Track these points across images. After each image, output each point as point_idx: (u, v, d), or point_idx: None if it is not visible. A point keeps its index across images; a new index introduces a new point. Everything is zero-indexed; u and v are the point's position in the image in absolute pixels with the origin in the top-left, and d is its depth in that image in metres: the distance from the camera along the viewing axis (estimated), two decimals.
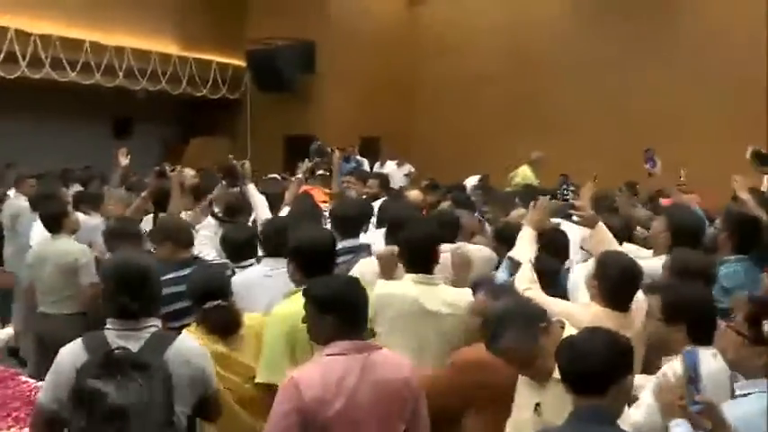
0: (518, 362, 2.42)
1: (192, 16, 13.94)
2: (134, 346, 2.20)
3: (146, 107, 13.87)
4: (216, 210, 4.80)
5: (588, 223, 3.42)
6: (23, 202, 6.40)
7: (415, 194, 6.01)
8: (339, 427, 2.25)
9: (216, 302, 2.97)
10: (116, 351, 1.94)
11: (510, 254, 3.25)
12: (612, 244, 3.30)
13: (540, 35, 13.07)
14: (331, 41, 13.72)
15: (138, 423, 1.77)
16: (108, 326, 2.32)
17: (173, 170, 5.05)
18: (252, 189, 4.75)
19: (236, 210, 4.83)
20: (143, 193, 5.10)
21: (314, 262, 2.90)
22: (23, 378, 3.62)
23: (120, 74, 12.64)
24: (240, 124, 15.12)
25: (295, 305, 2.65)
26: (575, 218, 3.52)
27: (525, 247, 3.23)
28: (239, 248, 3.82)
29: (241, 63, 14.70)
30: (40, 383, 2.83)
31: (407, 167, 11.95)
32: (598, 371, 1.98)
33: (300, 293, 2.51)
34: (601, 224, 3.40)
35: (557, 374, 2.20)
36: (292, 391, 2.25)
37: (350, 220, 4.01)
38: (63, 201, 5.31)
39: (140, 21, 13.16)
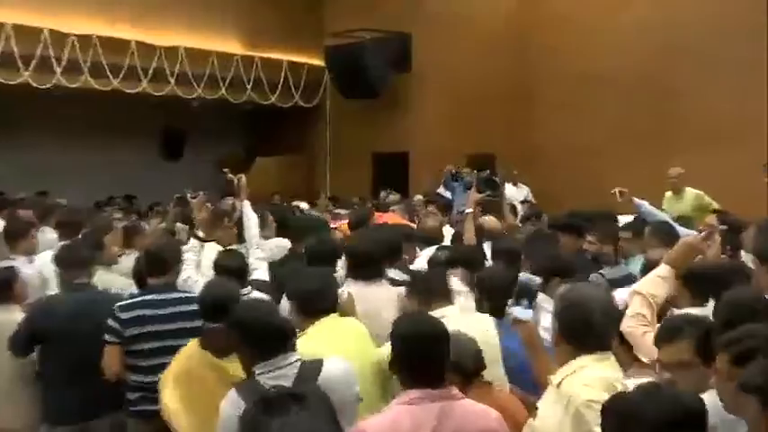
0: None
1: (259, 7, 14.26)
2: (286, 383, 2.80)
3: (201, 119, 14.36)
4: (200, 233, 5.10)
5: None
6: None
7: (490, 221, 6.34)
8: None
9: (215, 325, 3.51)
10: (271, 390, 2.41)
11: (637, 287, 3.44)
12: None
13: (692, 30, 12.68)
14: (430, 34, 13.80)
15: None
16: (257, 371, 2.90)
17: (235, 179, 5.44)
18: (247, 207, 5.15)
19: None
20: (162, 224, 5.51)
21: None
22: None
23: (172, 80, 13.08)
24: (318, 139, 15.42)
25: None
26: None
27: (658, 284, 3.39)
28: (231, 275, 4.21)
29: (319, 63, 14.96)
30: None
31: (525, 191, 12.24)
32: None
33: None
34: None
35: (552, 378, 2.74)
36: None
37: (367, 257, 4.39)
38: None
39: (195, 15, 13.56)
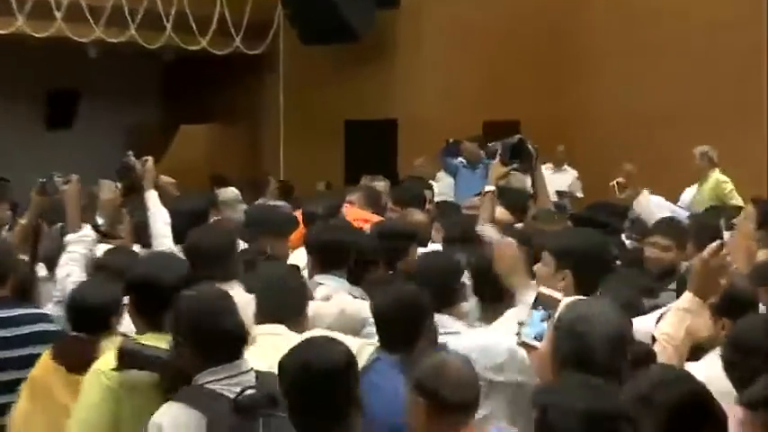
0: None
1: None
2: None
3: (101, 73, 13.77)
4: (100, 220, 5.46)
5: None
6: None
7: (501, 213, 6.20)
8: None
9: (77, 335, 3.73)
10: (241, 398, 2.83)
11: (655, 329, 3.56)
12: None
13: None
14: None
15: None
16: (204, 378, 3.05)
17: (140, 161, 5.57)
18: (153, 198, 5.24)
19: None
20: (22, 219, 5.82)
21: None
22: None
23: (59, 15, 12.05)
24: (267, 100, 14.81)
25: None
26: None
27: (679, 321, 3.42)
28: (114, 277, 4.31)
29: None
30: None
31: (570, 176, 11.94)
32: None
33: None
34: None
35: None
36: None
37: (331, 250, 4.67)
38: None
39: None
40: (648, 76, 12.98)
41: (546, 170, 9.91)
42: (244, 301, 3.68)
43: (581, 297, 3.35)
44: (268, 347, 3.42)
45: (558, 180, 11.09)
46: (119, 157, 13.53)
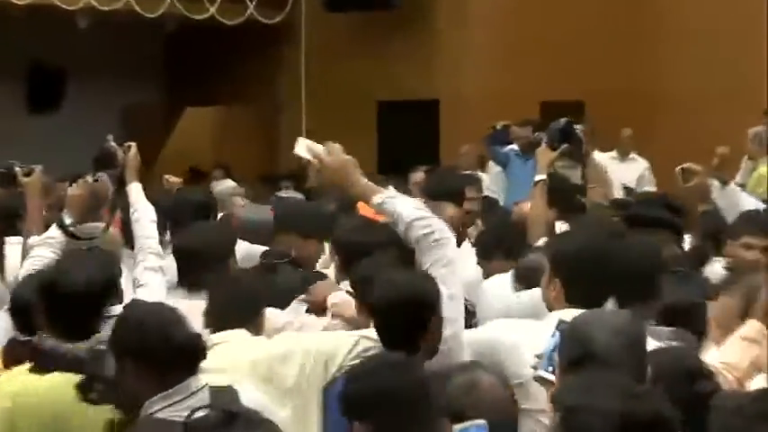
0: None
1: None
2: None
3: (93, 48, 13.57)
4: (67, 219, 5.05)
5: None
6: None
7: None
8: None
9: (25, 339, 3.71)
10: (191, 422, 2.56)
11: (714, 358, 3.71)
12: None
13: None
14: None
15: None
16: (151, 407, 3.02)
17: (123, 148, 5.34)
18: (136, 192, 5.03)
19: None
20: None
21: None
22: None
23: None
24: (286, 78, 14.38)
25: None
26: None
27: (742, 350, 3.47)
28: None
29: None
30: None
31: (641, 166, 11.50)
32: None
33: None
34: None
35: None
36: None
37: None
38: None
39: None
40: (738, 49, 12.59)
41: (610, 160, 10.43)
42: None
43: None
44: (221, 356, 3.57)
45: (625, 171, 10.75)
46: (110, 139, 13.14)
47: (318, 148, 3.88)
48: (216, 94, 14.24)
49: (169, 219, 5.76)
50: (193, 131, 14.04)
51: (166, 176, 7.44)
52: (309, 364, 3.57)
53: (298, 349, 3.63)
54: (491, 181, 10.39)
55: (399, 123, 13.40)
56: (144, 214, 4.94)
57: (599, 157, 10.24)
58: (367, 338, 3.52)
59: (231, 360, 3.53)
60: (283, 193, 9.66)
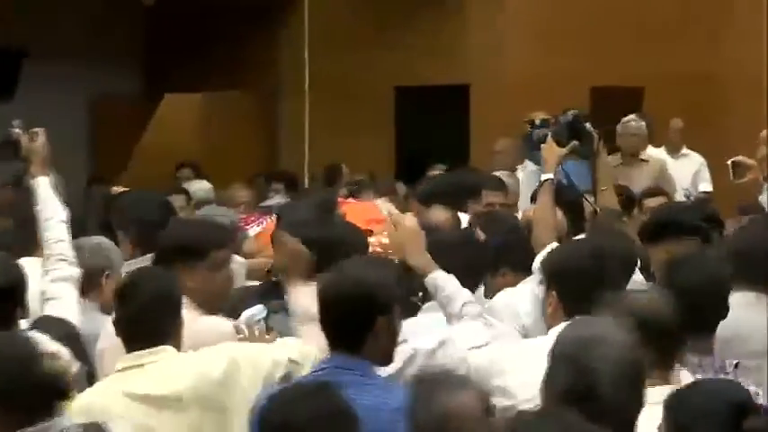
0: None
1: None
2: None
3: (55, 26, 13.35)
4: None
5: None
6: None
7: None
8: None
9: None
10: None
11: None
12: None
13: None
14: None
15: None
16: None
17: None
18: (44, 188, 4.95)
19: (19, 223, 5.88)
20: None
21: None
22: None
23: None
24: (286, 60, 13.90)
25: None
26: None
27: None
28: None
29: None
30: None
31: (696, 161, 11.49)
32: None
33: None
34: None
35: None
36: None
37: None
38: None
39: None
40: None
41: (660, 151, 10.85)
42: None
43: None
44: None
45: (678, 170, 10.74)
46: (81, 138, 13.58)
47: (396, 212, 4.36)
48: (203, 78, 13.75)
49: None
50: (176, 122, 13.76)
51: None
52: (250, 384, 3.62)
53: (236, 368, 3.68)
54: (526, 181, 9.63)
55: (421, 113, 12.84)
56: (53, 214, 4.82)
57: (656, 152, 10.93)
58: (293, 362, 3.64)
59: (169, 385, 3.57)
60: (270, 201, 9.58)
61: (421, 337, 4.00)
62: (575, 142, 6.05)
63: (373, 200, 8.16)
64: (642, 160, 10.34)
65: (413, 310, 4.21)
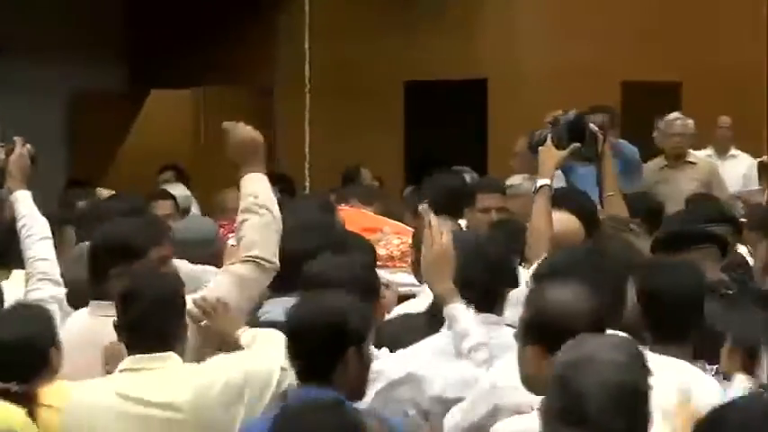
0: None
1: None
2: None
3: (31, 16, 13.38)
4: None
5: None
6: None
7: (566, 222, 5.84)
8: None
9: None
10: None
11: None
12: None
13: None
14: None
15: None
16: None
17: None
18: (24, 202, 5.04)
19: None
20: None
21: None
22: None
23: None
24: (283, 55, 13.81)
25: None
26: None
27: None
28: None
29: None
30: None
31: (745, 163, 11.36)
32: None
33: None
34: None
35: None
36: None
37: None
38: None
39: None
40: None
41: (704, 154, 10.69)
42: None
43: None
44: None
45: (726, 173, 10.44)
46: (59, 138, 13.60)
47: (436, 223, 4.34)
48: (192, 73, 13.47)
49: None
50: (163, 121, 13.52)
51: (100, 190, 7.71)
52: (254, 399, 3.70)
53: (240, 384, 3.76)
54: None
55: (434, 110, 12.57)
56: (35, 231, 4.87)
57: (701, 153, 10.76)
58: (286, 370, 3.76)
59: (167, 393, 3.66)
60: None
61: (395, 358, 4.04)
62: (576, 144, 5.95)
63: (360, 207, 7.71)
64: (689, 162, 10.03)
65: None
